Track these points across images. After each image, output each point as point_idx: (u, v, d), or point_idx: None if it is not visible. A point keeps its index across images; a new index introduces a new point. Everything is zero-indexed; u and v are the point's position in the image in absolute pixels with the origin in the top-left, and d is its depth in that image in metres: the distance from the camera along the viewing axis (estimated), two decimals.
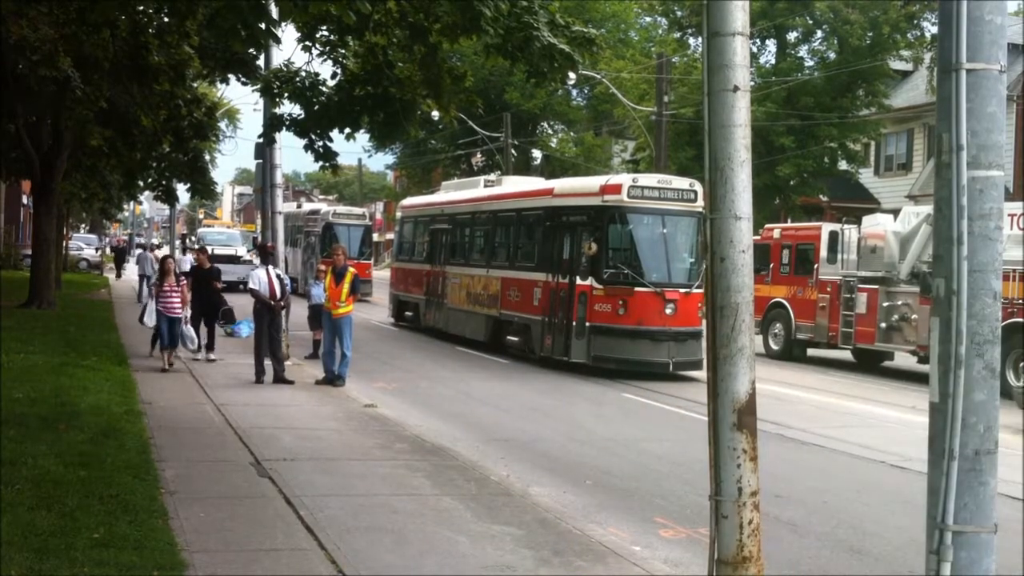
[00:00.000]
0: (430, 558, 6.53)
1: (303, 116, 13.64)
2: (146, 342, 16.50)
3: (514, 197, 22.12)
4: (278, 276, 15.32)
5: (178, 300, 15.30)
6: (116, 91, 20.01)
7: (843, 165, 37.29)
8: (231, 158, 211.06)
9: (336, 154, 14.20)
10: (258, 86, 15.44)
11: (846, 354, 21.81)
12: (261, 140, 16.90)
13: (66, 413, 10.10)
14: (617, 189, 18.06)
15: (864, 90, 35.32)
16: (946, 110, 3.78)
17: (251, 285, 14.90)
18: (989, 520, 3.79)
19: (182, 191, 32.81)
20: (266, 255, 15.94)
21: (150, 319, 15.38)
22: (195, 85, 23.85)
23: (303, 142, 13.83)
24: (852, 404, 16.01)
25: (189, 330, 15.72)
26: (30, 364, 13.45)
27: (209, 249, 25.70)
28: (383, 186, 79.93)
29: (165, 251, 37.47)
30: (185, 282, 15.91)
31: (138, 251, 45.95)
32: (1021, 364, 16.64)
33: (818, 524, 8.35)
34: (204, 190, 31.01)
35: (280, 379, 14.41)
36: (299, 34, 12.68)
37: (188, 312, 15.81)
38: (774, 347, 22.44)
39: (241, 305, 17.00)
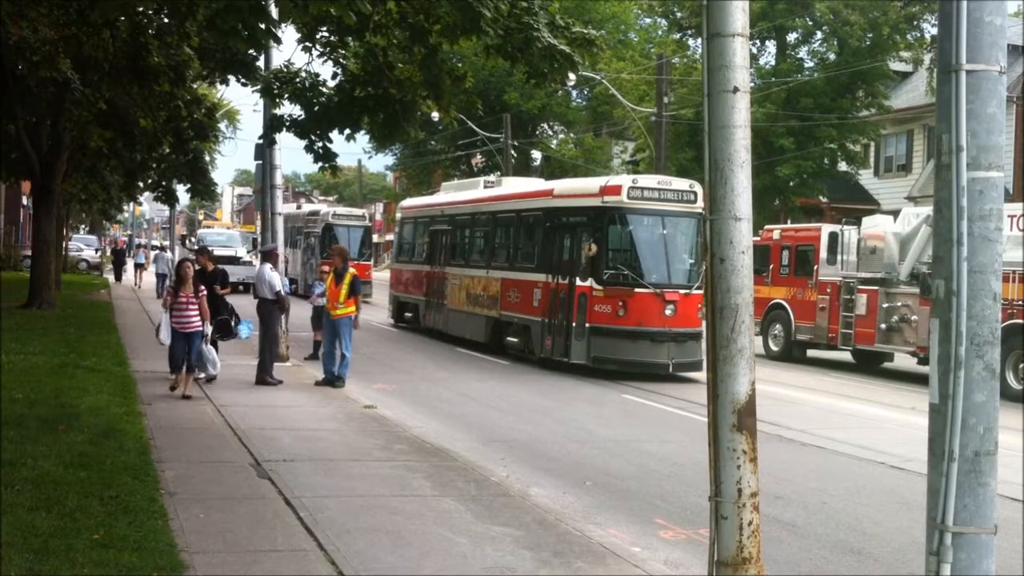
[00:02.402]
0: (430, 559, 6.53)
1: (303, 117, 13.63)
2: (149, 344, 16.11)
3: (514, 198, 22.12)
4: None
5: (195, 313, 12.93)
6: (116, 92, 20.02)
7: (843, 166, 37.31)
8: (231, 159, 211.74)
9: (336, 155, 14.19)
10: (258, 87, 15.42)
11: (846, 355, 21.83)
12: (261, 141, 16.92)
13: (66, 414, 10.09)
14: (617, 190, 18.05)
15: (864, 91, 35.34)
16: (946, 111, 3.78)
17: (277, 288, 14.96)
18: (989, 521, 3.79)
19: (182, 192, 32.88)
20: (274, 259, 15.94)
21: (165, 334, 12.90)
22: (195, 86, 23.84)
23: (303, 143, 13.83)
24: (852, 405, 16.01)
25: (210, 351, 13.66)
26: (30, 365, 13.44)
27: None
28: (383, 187, 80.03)
29: (168, 254, 37.30)
30: (204, 292, 13.20)
31: (139, 251, 46.06)
32: (1021, 365, 16.67)
33: (818, 525, 8.35)
34: (205, 191, 31.06)
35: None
36: (299, 35, 12.69)
37: (209, 328, 13.43)
38: (774, 348, 22.46)
39: (242, 306, 16.94)
